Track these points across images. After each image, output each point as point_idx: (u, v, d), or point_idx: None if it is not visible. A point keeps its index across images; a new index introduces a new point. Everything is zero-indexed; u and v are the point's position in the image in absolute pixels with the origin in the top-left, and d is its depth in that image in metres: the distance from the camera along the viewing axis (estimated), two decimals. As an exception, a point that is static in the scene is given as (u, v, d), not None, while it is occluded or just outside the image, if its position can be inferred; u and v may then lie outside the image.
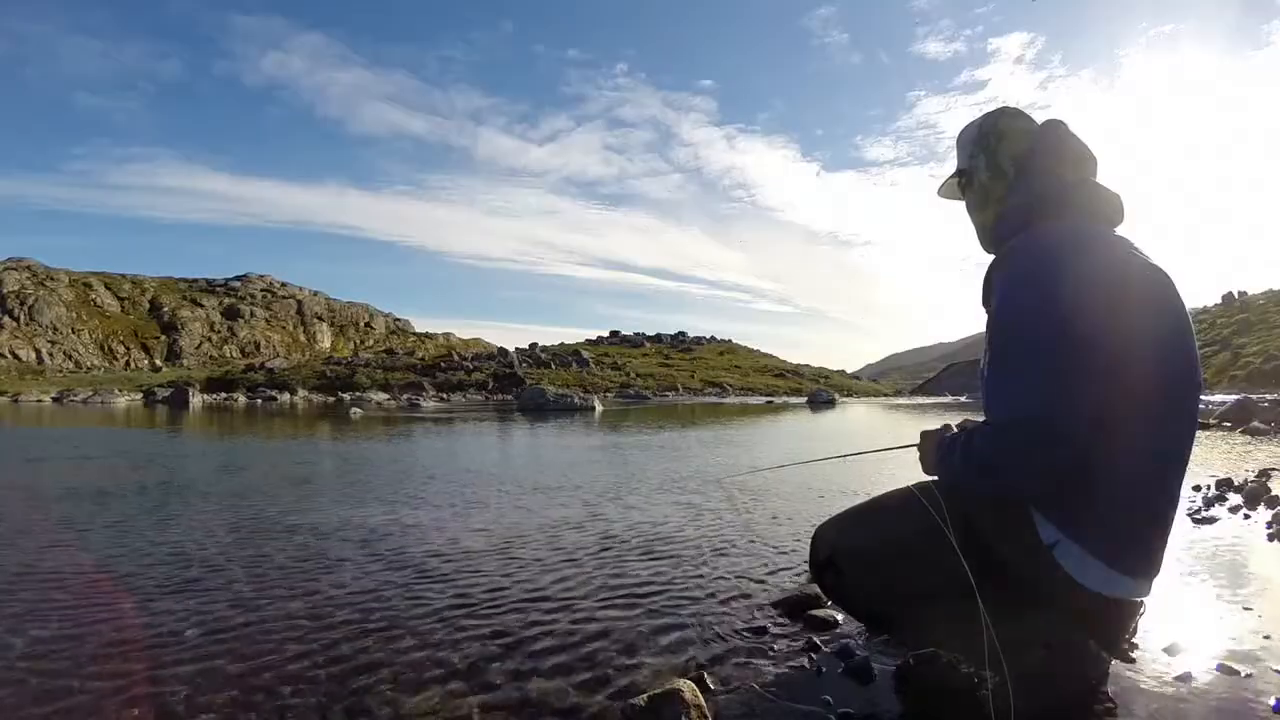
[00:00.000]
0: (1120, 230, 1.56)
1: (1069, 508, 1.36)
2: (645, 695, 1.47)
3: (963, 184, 1.75)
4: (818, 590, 2.27)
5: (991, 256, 1.56)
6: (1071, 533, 1.35)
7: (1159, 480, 1.40)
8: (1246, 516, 3.67)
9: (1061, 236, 1.42)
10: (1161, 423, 1.37)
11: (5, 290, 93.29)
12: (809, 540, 1.79)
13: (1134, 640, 1.76)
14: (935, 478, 1.55)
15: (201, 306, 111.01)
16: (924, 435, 1.59)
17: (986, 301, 1.49)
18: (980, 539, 1.42)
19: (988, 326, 1.45)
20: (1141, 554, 1.41)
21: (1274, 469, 5.37)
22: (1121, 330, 1.31)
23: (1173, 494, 1.43)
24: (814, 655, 1.82)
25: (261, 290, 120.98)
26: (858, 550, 1.62)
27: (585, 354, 69.64)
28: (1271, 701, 1.52)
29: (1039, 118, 1.65)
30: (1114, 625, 1.47)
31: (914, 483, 1.57)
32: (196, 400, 31.37)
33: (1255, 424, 10.38)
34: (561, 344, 79.80)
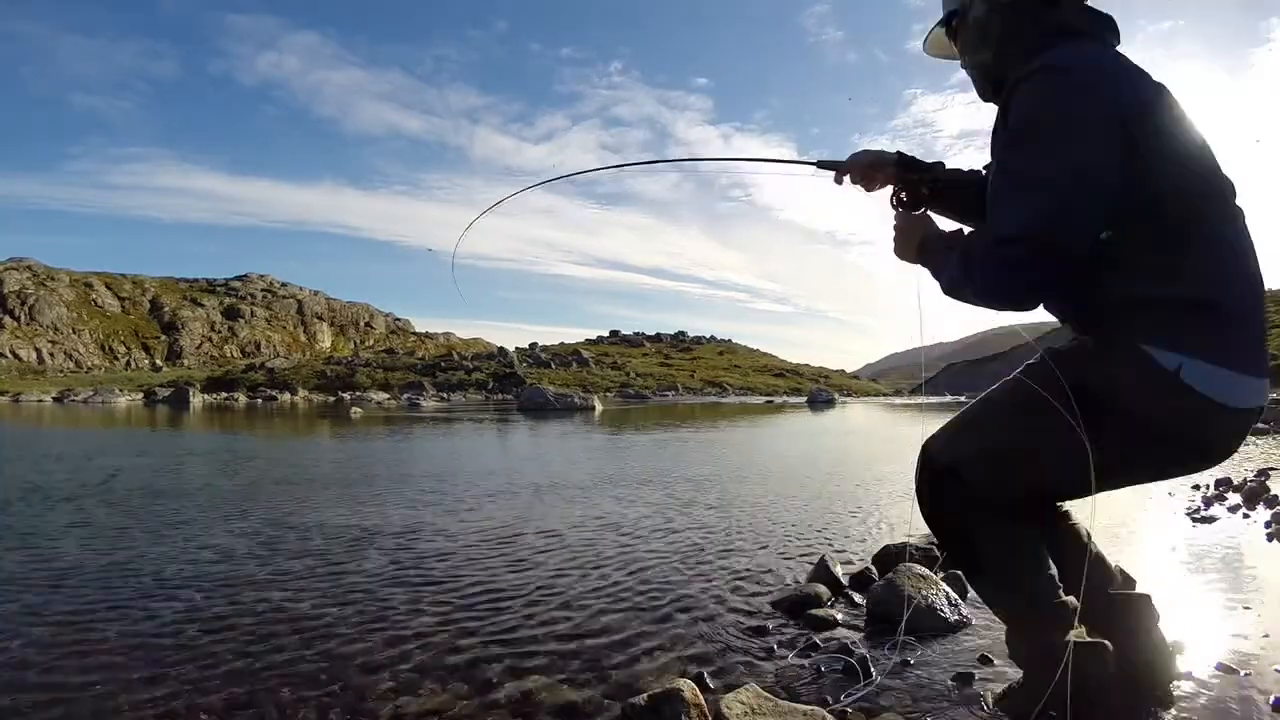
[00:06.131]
0: None
1: (1179, 328, 1.30)
2: (646, 694, 1.48)
3: (954, 29, 1.58)
4: (818, 590, 2.27)
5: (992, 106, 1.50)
6: (1192, 351, 1.28)
7: (1245, 273, 1.36)
8: (1246, 516, 3.66)
9: (1101, 52, 1.37)
10: (1225, 220, 1.36)
11: (6, 290, 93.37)
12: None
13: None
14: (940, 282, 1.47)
15: (202, 306, 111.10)
16: (901, 217, 1.56)
17: (1002, 118, 1.42)
18: (1100, 401, 1.33)
19: (1003, 142, 1.39)
20: (1258, 352, 1.36)
21: (1274, 468, 5.37)
22: (1178, 139, 1.32)
23: (1258, 280, 1.38)
24: (814, 655, 1.82)
25: (262, 290, 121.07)
26: (984, 448, 1.45)
27: (585, 354, 69.70)
28: (1271, 700, 1.52)
29: None
30: (1237, 435, 1.40)
31: (1019, 370, 1.47)
32: (197, 400, 31.41)
33: (1255, 423, 10.38)
34: (561, 344, 79.93)
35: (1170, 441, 1.34)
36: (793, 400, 39.93)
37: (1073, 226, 1.25)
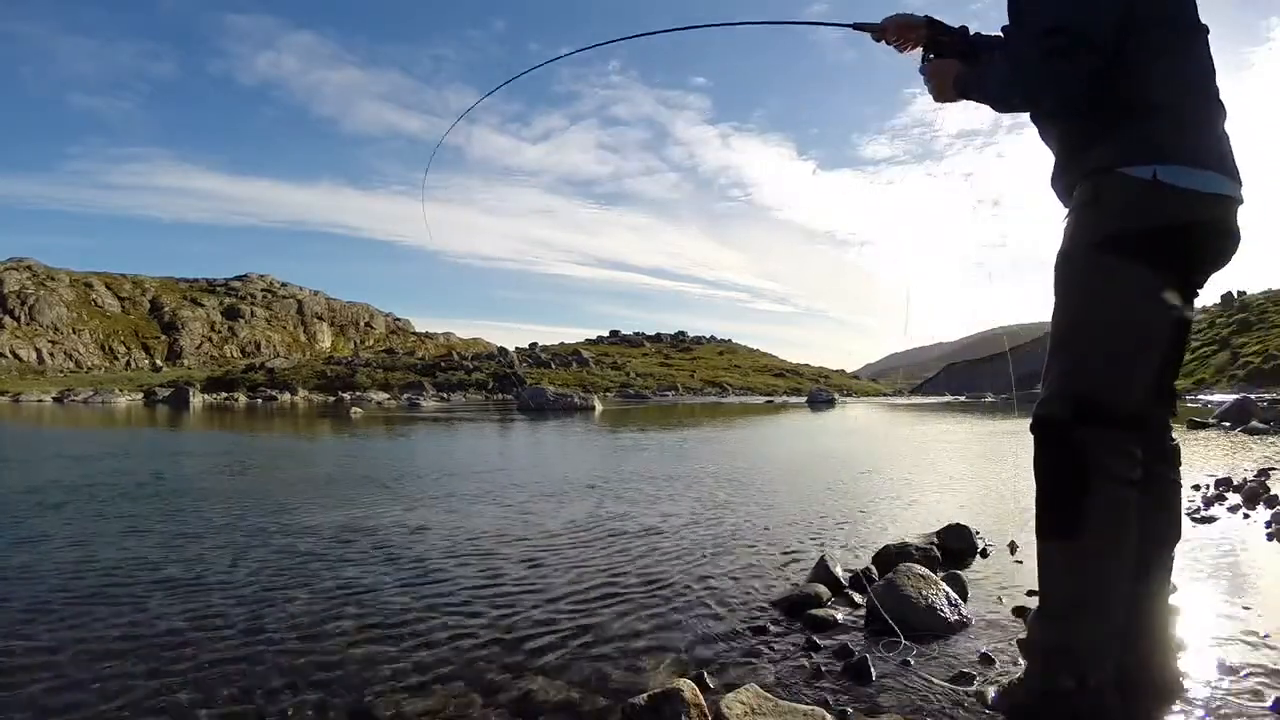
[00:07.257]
0: None
1: (1148, 142, 1.42)
2: (645, 694, 1.48)
3: None
4: (818, 590, 2.27)
5: None
6: (1159, 159, 1.41)
7: (1210, 91, 1.49)
8: (1246, 516, 3.67)
9: None
10: (1197, 44, 1.49)
11: (6, 290, 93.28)
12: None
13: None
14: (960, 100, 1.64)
15: (202, 306, 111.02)
16: (932, 64, 1.70)
17: None
18: (1122, 239, 1.43)
19: None
20: (1222, 155, 1.46)
21: (1273, 468, 5.37)
22: None
23: (1219, 99, 1.50)
24: (814, 655, 1.83)
25: (262, 290, 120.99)
26: (1096, 353, 1.46)
27: (585, 354, 69.71)
28: (1270, 701, 1.52)
29: None
30: (1230, 220, 1.48)
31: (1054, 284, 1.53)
32: (197, 400, 31.40)
33: (1254, 423, 10.39)
34: (561, 344, 79.91)
35: (1180, 238, 1.44)
36: (793, 400, 39.95)
37: (1101, 20, 1.37)
